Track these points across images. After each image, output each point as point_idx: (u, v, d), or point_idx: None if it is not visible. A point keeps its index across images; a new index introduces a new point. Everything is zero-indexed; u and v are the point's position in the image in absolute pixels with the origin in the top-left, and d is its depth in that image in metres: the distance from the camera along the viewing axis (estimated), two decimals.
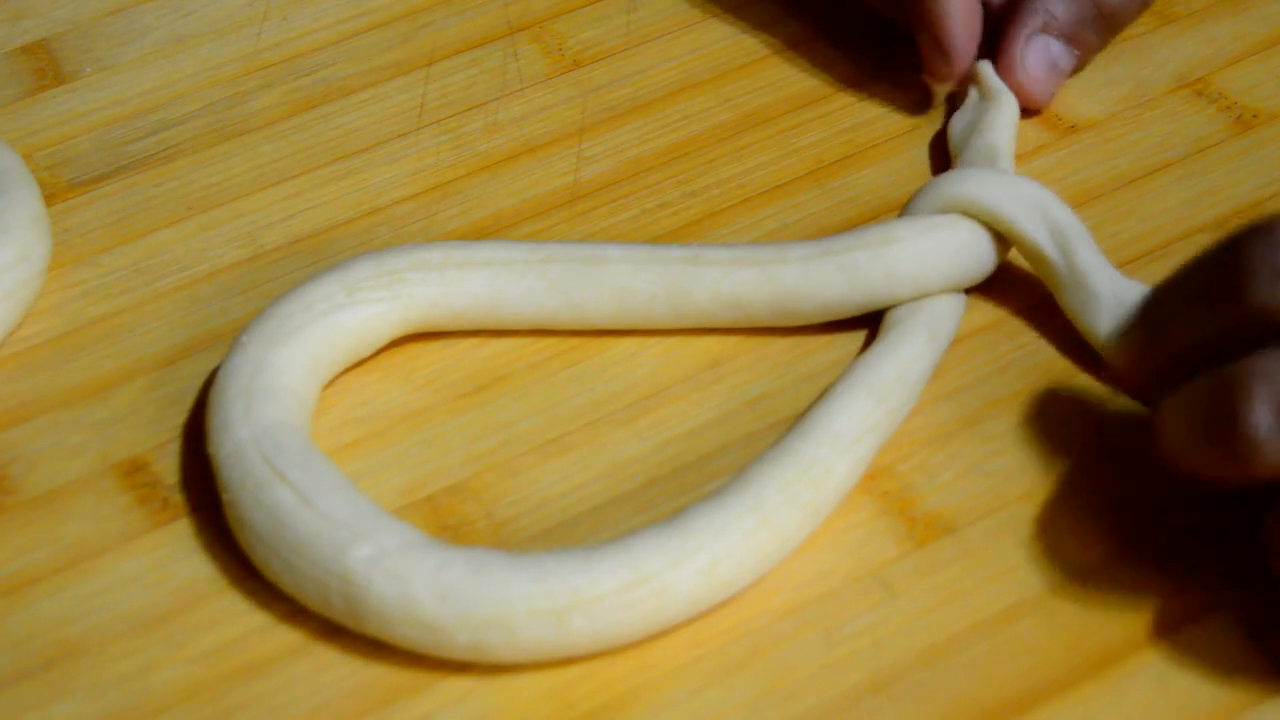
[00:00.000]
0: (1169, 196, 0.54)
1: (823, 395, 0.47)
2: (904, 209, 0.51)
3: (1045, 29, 0.56)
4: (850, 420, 0.46)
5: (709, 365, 0.50)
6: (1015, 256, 0.51)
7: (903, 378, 0.47)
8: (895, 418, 0.47)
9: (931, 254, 0.49)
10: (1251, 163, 0.55)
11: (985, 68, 0.56)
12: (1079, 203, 0.53)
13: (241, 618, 0.45)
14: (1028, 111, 0.56)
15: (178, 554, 0.46)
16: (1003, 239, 0.50)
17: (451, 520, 0.47)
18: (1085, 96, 0.57)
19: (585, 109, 0.58)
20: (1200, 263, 0.43)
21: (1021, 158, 0.55)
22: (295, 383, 0.47)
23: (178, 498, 0.48)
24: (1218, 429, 0.39)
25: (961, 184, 0.50)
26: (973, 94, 0.56)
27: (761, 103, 0.58)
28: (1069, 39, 0.56)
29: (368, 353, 0.49)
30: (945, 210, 0.50)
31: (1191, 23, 0.60)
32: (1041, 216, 0.49)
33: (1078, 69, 0.57)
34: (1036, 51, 0.56)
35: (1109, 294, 0.48)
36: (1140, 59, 0.58)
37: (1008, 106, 0.55)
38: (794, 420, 0.47)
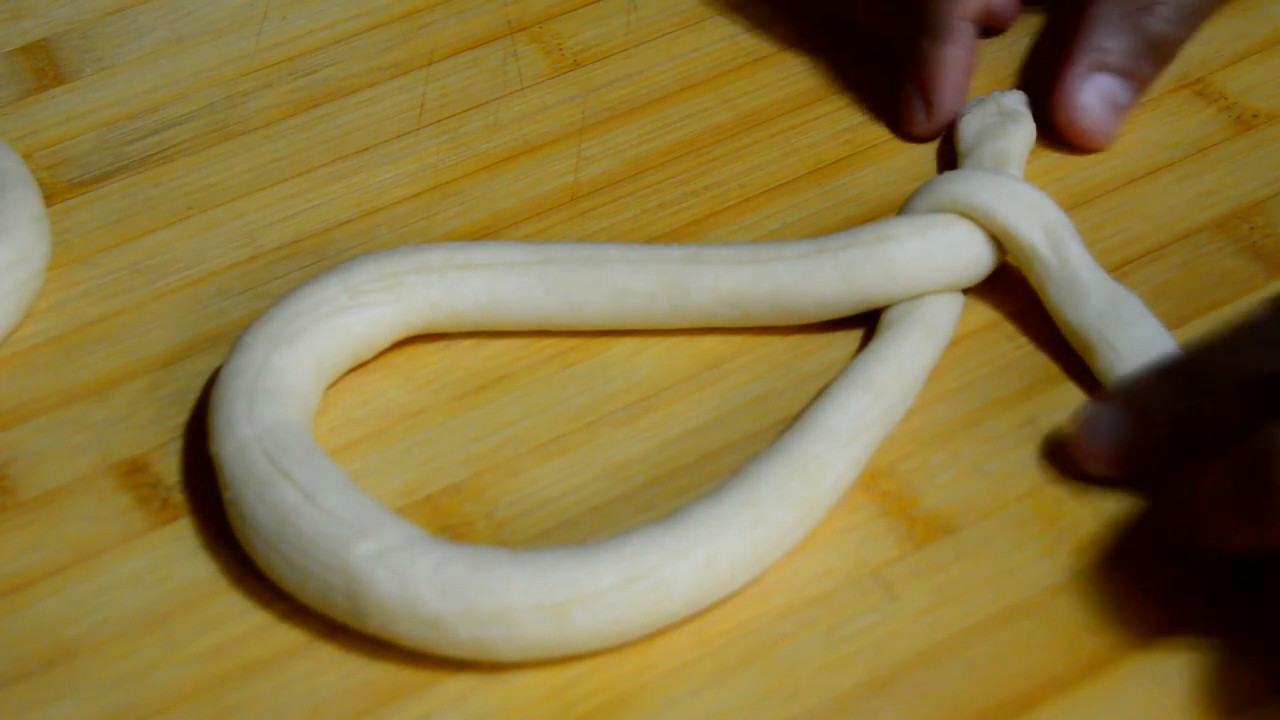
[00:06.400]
0: (1169, 196, 0.54)
1: (819, 394, 0.47)
2: (901, 208, 0.51)
3: (1097, 67, 0.54)
4: (845, 418, 0.46)
5: (709, 365, 0.50)
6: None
7: (899, 375, 0.47)
8: (892, 415, 0.47)
9: (926, 252, 0.49)
10: (1251, 163, 0.55)
11: (1009, 95, 0.56)
12: (1079, 203, 0.53)
13: (241, 617, 0.45)
14: (1088, 150, 0.55)
15: (178, 554, 0.46)
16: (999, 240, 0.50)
17: (451, 520, 0.47)
18: None
19: (585, 109, 0.58)
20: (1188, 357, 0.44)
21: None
22: (298, 383, 0.47)
23: (178, 498, 0.48)
24: (1262, 503, 0.40)
25: (958, 184, 0.50)
26: (989, 105, 0.55)
27: (761, 103, 0.58)
28: (1124, 74, 0.54)
29: (370, 354, 0.50)
30: (941, 210, 0.50)
31: None
32: (1037, 217, 0.49)
33: (1135, 103, 0.56)
34: (1093, 92, 0.54)
35: (1101, 294, 0.48)
36: None
37: (1026, 126, 0.54)
38: (793, 420, 0.47)
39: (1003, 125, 0.54)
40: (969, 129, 0.55)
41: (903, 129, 0.56)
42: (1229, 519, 0.41)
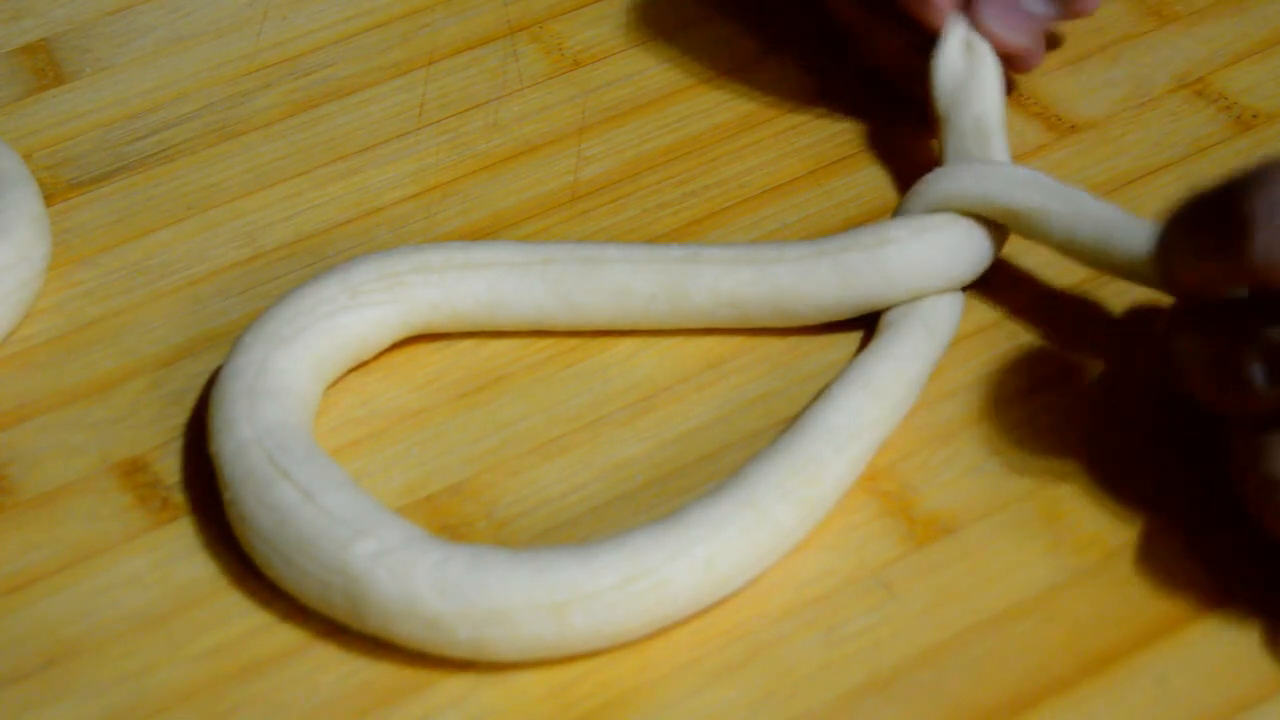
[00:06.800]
0: (1169, 196, 0.53)
1: (819, 394, 0.47)
2: (898, 208, 0.51)
3: None
4: (845, 418, 0.46)
5: (709, 365, 0.50)
6: (1012, 256, 0.51)
7: (900, 375, 0.47)
8: (893, 416, 0.47)
9: (926, 254, 0.49)
10: (1251, 163, 0.54)
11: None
12: None
13: (241, 617, 0.45)
14: (1017, 70, 0.55)
15: (178, 554, 0.46)
16: (997, 233, 0.50)
17: (452, 520, 0.47)
18: (1085, 96, 0.57)
19: (585, 109, 0.58)
20: (1203, 208, 0.42)
21: (1021, 158, 0.55)
22: (298, 383, 0.47)
23: (178, 497, 0.48)
24: (1225, 375, 0.42)
25: (951, 181, 0.50)
26: (955, 41, 0.54)
27: (761, 103, 0.58)
28: None
29: (370, 354, 0.50)
30: (938, 208, 0.50)
31: (1191, 23, 0.60)
32: (1036, 187, 0.49)
33: (1065, 16, 0.55)
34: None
35: (1132, 221, 0.48)
36: (1140, 59, 0.58)
37: (990, 65, 0.53)
38: (793, 420, 0.47)
39: (970, 77, 0.53)
40: (944, 75, 0.53)
41: (926, 17, 0.54)
42: (1204, 384, 0.43)
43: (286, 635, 0.44)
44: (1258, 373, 0.41)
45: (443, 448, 0.48)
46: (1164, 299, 0.47)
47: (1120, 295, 0.50)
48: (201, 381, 0.50)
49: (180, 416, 0.50)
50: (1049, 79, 0.58)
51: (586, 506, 0.47)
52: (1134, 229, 0.47)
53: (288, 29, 0.62)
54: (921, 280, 0.49)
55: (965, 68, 0.54)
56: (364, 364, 0.50)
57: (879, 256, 0.49)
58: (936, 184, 0.50)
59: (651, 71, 0.60)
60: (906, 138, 0.57)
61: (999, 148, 0.52)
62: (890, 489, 0.46)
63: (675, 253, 0.50)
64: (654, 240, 0.54)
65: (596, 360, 0.50)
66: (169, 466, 0.48)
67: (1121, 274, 0.48)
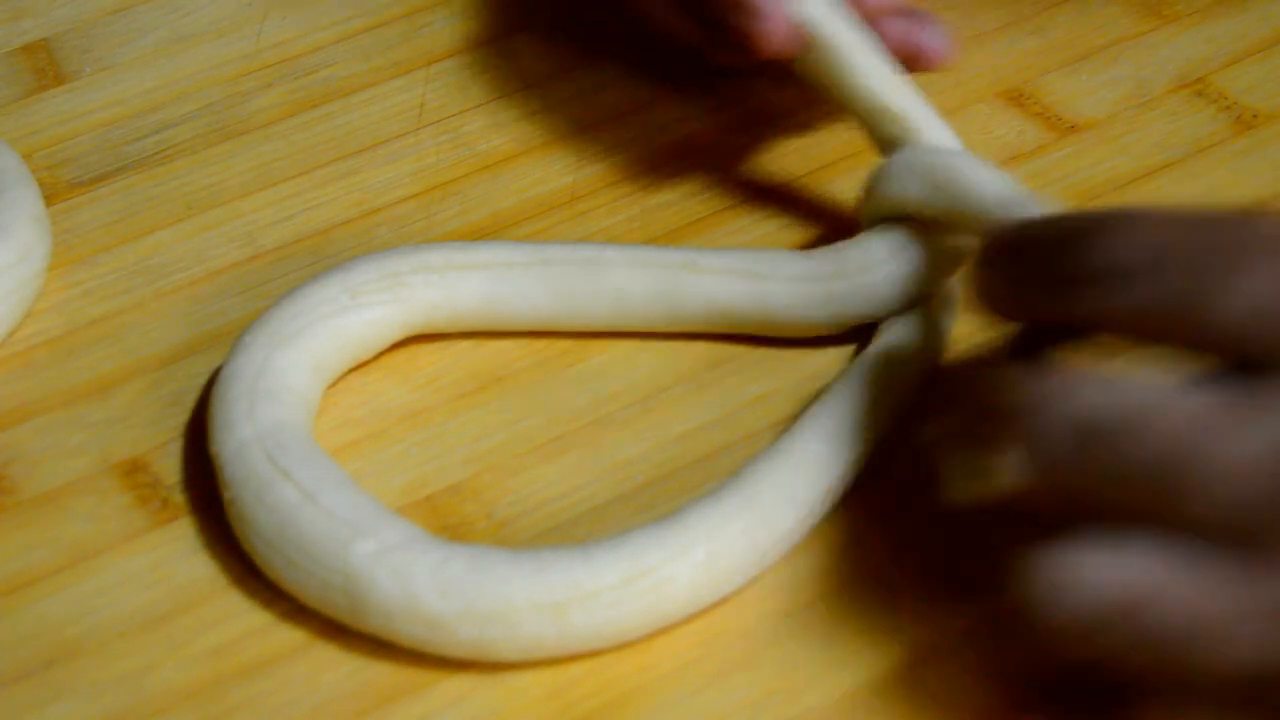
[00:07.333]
0: (1169, 196, 0.54)
1: (820, 394, 0.47)
2: (861, 205, 0.50)
3: None
4: (844, 418, 0.46)
5: (709, 365, 0.50)
6: None
7: (899, 374, 0.47)
8: (893, 414, 0.47)
9: (912, 270, 0.49)
10: (1251, 163, 0.55)
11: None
12: (1078, 203, 0.53)
13: (241, 618, 0.45)
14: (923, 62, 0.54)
15: (178, 554, 0.46)
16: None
17: (451, 520, 0.47)
18: (1085, 96, 0.57)
19: (585, 109, 0.58)
20: (1040, 246, 0.40)
21: (1021, 158, 0.55)
22: (298, 384, 0.47)
23: (178, 498, 0.48)
24: (979, 462, 0.39)
25: (903, 180, 0.49)
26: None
27: (762, 102, 0.58)
28: None
29: (370, 355, 0.50)
30: (891, 213, 0.49)
31: (1191, 23, 0.60)
32: (1007, 201, 0.47)
33: None
34: None
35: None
36: (1140, 59, 0.58)
37: (846, 36, 0.51)
38: (793, 420, 0.47)
39: (834, 52, 0.51)
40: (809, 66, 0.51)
41: (754, 48, 0.50)
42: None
43: (286, 635, 0.44)
44: (1017, 458, 0.37)
45: (443, 448, 0.48)
46: None
47: None
48: (201, 381, 0.50)
49: (180, 416, 0.50)
50: (1049, 79, 0.58)
51: (586, 506, 0.47)
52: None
53: (288, 29, 0.62)
54: (910, 294, 0.49)
55: (823, 50, 0.51)
56: (364, 364, 0.50)
57: (866, 285, 0.49)
58: (894, 181, 0.49)
59: (651, 71, 0.60)
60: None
61: (926, 124, 0.50)
62: (890, 488, 0.46)
63: (673, 257, 0.50)
64: (653, 241, 0.54)
65: (596, 360, 0.50)
66: (169, 466, 0.48)
67: None
